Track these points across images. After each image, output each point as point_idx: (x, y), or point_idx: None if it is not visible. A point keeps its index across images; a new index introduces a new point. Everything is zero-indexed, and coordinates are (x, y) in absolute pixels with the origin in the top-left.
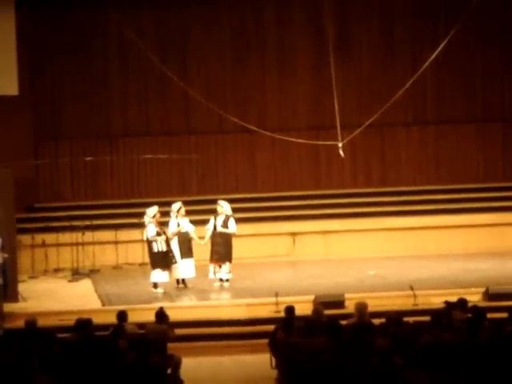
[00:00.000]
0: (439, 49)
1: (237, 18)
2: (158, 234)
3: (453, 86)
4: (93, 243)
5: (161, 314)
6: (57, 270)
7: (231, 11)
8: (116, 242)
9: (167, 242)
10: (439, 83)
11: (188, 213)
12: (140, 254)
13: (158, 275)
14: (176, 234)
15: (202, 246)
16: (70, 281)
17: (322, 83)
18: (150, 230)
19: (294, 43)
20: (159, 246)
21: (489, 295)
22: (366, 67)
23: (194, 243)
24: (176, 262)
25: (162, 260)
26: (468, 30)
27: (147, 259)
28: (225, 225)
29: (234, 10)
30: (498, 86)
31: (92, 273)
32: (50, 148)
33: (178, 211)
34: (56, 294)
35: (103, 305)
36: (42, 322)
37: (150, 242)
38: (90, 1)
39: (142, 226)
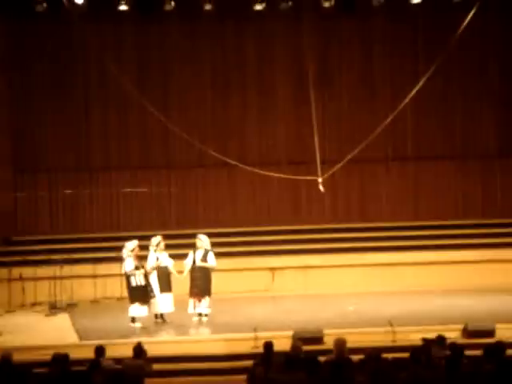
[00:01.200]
0: (418, 86)
1: (218, 52)
2: (137, 268)
3: (432, 122)
4: (71, 277)
5: (138, 349)
6: (34, 304)
7: (212, 46)
8: (94, 276)
9: (146, 276)
10: (419, 119)
11: (167, 247)
12: (118, 288)
13: (136, 309)
14: (155, 269)
15: (181, 281)
16: (47, 315)
17: (303, 119)
18: (128, 264)
19: (274, 79)
20: (137, 280)
21: (468, 332)
22: (346, 103)
23: (172, 277)
24: (154, 297)
25: (141, 294)
26: (448, 67)
27: (125, 293)
28: (204, 259)
29: (216, 45)
30: (477, 122)
31: (69, 307)
32: (29, 180)
33: (157, 245)
34: (33, 328)
35: (80, 339)
36: (17, 357)
37: (128, 276)
38: (69, 35)
39: (120, 259)
